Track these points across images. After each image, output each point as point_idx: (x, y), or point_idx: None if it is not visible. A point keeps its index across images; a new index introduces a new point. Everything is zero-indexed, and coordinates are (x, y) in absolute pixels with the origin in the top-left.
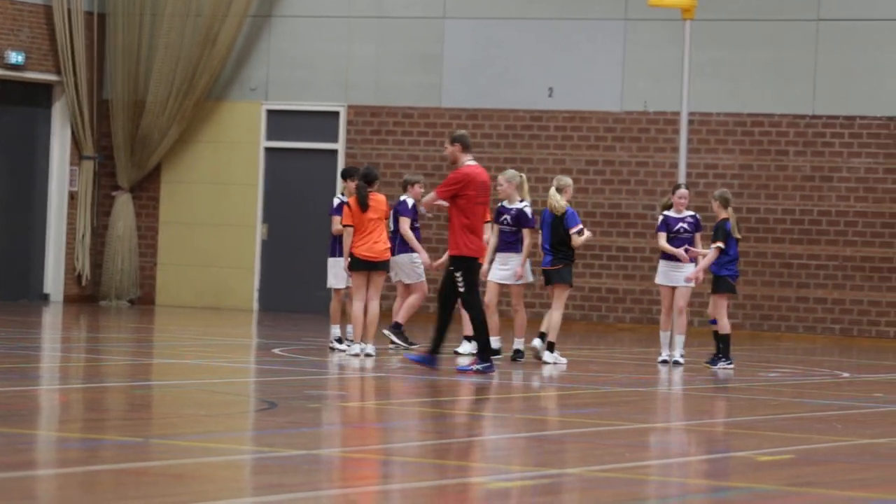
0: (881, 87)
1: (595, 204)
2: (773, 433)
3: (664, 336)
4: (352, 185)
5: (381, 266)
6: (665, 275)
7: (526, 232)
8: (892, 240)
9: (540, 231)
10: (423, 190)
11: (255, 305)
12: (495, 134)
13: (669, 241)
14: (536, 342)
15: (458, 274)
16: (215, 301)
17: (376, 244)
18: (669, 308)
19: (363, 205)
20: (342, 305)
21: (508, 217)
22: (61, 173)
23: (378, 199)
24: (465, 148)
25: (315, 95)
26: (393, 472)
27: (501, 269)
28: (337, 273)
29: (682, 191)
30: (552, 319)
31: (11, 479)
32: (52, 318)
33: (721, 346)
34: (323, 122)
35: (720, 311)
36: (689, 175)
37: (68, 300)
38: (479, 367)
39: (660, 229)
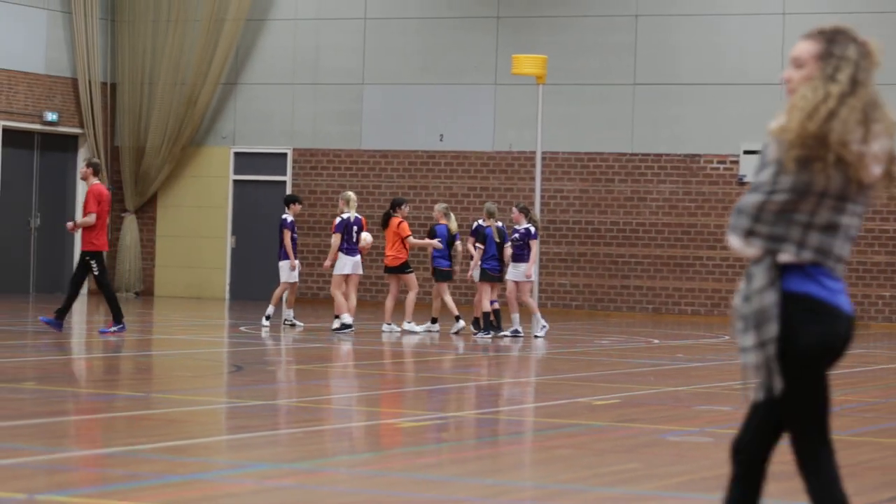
0: (680, 133)
1: (475, 219)
2: (605, 384)
3: (514, 317)
4: (296, 208)
5: (391, 270)
6: (511, 273)
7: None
8: (689, 243)
9: (441, 243)
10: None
11: (227, 296)
12: (401, 168)
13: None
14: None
15: (94, 263)
16: (198, 293)
17: (387, 256)
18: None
19: (384, 224)
20: (283, 292)
21: None
22: None
23: (393, 221)
24: (96, 172)
25: (269, 141)
26: (331, 416)
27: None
28: (285, 270)
29: (513, 208)
30: (448, 302)
31: (50, 424)
32: (80, 307)
33: (482, 322)
34: (275, 161)
35: (483, 295)
36: (542, 197)
37: (92, 293)
38: (115, 328)
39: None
